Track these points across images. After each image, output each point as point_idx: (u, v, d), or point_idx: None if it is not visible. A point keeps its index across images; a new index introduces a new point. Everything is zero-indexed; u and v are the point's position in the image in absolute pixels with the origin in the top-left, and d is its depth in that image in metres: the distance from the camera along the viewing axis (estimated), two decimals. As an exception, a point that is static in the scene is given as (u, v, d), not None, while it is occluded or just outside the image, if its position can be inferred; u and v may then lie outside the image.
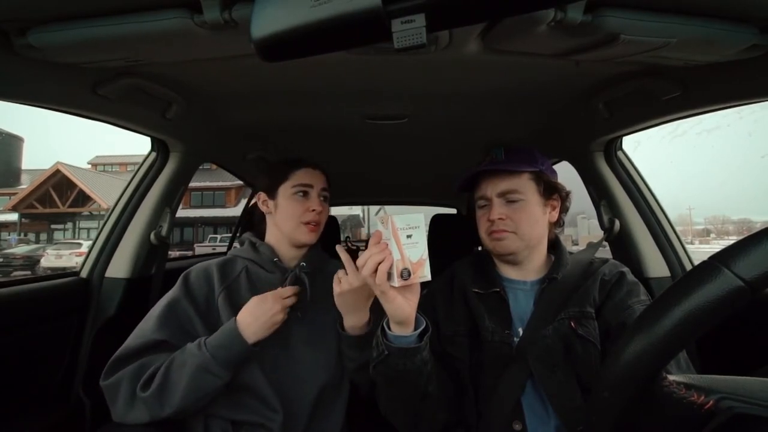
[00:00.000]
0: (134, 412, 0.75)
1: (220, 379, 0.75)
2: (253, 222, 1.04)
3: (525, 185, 0.84)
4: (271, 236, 0.98)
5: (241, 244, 1.00)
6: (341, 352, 0.89)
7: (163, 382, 0.75)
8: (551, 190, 0.87)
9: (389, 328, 0.69)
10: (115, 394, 0.77)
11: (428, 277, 0.65)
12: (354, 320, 0.82)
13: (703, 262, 0.39)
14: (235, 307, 0.85)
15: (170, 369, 0.76)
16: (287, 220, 0.93)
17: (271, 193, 0.96)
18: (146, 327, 0.82)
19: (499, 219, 0.83)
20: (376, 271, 0.63)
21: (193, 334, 0.82)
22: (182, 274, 0.90)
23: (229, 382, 0.78)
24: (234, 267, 0.93)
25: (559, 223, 0.92)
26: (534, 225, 0.85)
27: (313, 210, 0.94)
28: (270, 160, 1.49)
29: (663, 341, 0.38)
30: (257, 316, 0.78)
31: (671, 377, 0.41)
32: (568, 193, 0.91)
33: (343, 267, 0.77)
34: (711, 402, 0.37)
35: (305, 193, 0.94)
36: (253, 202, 1.07)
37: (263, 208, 0.97)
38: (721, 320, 0.37)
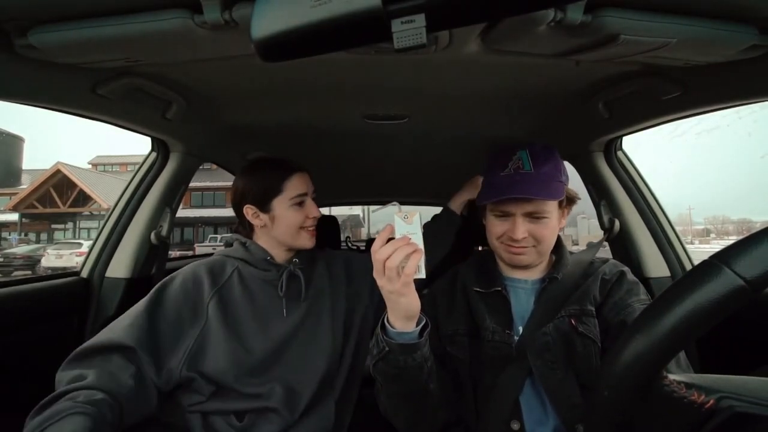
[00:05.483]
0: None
1: None
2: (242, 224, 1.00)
3: (551, 204, 0.83)
4: (263, 242, 0.96)
5: (229, 244, 0.99)
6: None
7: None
8: (569, 201, 0.87)
9: (390, 325, 0.69)
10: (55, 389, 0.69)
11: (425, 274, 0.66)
12: None
13: (704, 262, 0.39)
14: (227, 309, 0.85)
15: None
16: (287, 231, 0.93)
17: (264, 207, 0.93)
18: (117, 326, 0.79)
19: (524, 238, 0.82)
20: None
21: (162, 347, 0.79)
22: (158, 285, 0.86)
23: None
24: (224, 268, 0.92)
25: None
26: (553, 237, 0.85)
27: (313, 216, 0.96)
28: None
29: (664, 340, 0.38)
30: None
31: (671, 376, 0.40)
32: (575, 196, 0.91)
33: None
34: (711, 401, 0.37)
35: (302, 202, 0.95)
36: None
37: (254, 222, 0.94)
38: (721, 320, 0.37)
